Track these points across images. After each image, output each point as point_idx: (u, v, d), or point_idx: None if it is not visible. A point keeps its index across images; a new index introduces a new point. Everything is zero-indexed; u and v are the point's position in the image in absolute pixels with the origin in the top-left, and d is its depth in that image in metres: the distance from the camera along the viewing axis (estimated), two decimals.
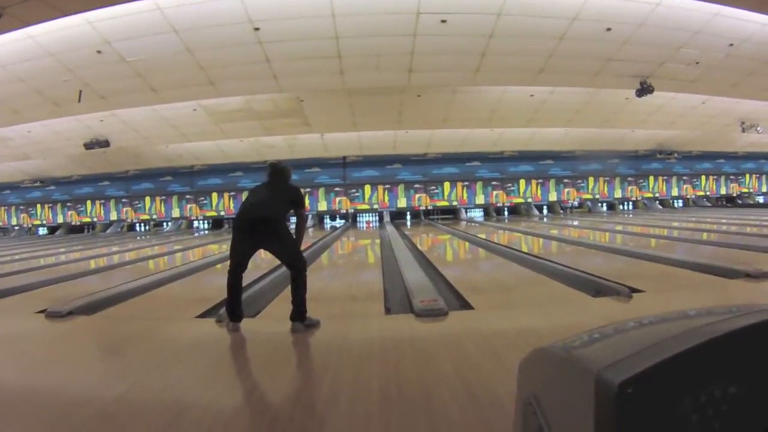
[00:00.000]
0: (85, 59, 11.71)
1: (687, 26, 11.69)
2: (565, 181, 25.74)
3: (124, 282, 7.40)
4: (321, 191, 24.51)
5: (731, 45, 12.62)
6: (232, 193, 24.74)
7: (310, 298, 4.51)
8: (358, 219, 24.88)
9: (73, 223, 26.47)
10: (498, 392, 2.76)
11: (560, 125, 19.92)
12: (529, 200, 25.51)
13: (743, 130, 21.21)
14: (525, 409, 0.88)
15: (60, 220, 26.63)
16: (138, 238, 21.01)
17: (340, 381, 3.18)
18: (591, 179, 26.06)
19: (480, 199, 25.10)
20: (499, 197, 25.20)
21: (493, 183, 25.12)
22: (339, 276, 8.42)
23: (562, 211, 25.79)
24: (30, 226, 27.12)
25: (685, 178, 27.21)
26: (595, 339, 0.87)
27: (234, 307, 4.47)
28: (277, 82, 13.47)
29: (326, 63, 12.48)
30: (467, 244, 12.62)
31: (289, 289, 4.54)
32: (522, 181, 25.38)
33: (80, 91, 13.21)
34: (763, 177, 28.69)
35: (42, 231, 27.19)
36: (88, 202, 26.19)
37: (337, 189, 24.61)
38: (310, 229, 20.33)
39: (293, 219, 4.86)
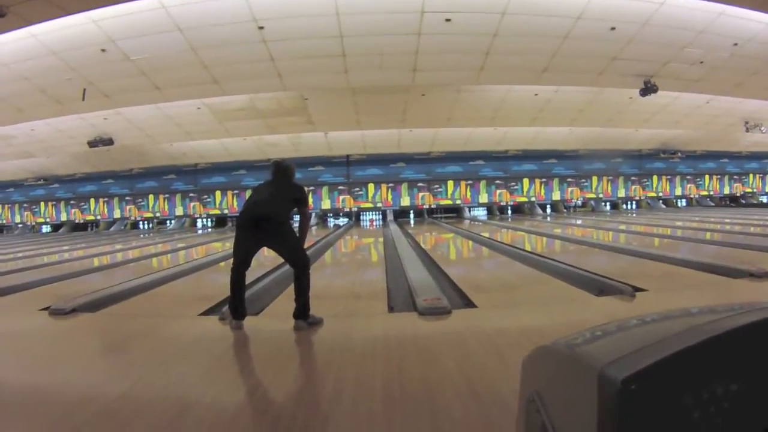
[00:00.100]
0: (89, 58, 11.73)
1: (691, 26, 11.66)
2: (569, 180, 25.70)
3: (127, 280, 7.42)
4: (325, 190, 24.50)
5: (736, 44, 12.58)
6: (236, 192, 24.74)
7: (314, 296, 4.52)
8: (361, 217, 24.86)
9: (77, 221, 26.49)
10: (501, 390, 2.76)
11: (564, 124, 19.88)
12: (533, 199, 25.47)
13: (747, 130, 21.15)
14: (528, 407, 0.88)
15: (63, 218, 26.67)
16: (141, 236, 21.04)
17: (343, 379, 3.18)
18: (594, 178, 26.01)
19: (483, 198, 25.06)
20: (502, 196, 25.16)
21: (497, 182, 25.07)
22: (342, 274, 8.43)
23: (565, 211, 25.74)
24: (33, 223, 27.15)
25: (688, 177, 27.14)
26: (597, 336, 0.87)
27: (237, 304, 4.48)
28: (281, 81, 13.48)
29: (330, 62, 12.48)
30: (471, 242, 12.61)
31: (292, 287, 4.53)
32: (526, 180, 25.34)
33: (84, 90, 13.23)
34: (767, 177, 28.58)
35: (45, 229, 27.21)
36: (92, 200, 26.22)
37: (340, 187, 24.60)
38: (314, 228, 20.32)
39: (297, 217, 4.86)
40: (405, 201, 24.72)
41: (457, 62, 12.96)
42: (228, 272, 4.57)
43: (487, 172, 24.98)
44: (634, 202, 26.92)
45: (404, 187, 24.69)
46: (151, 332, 4.50)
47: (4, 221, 27.60)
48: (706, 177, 27.49)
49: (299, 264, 4.49)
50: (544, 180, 25.47)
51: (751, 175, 28.24)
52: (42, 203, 26.81)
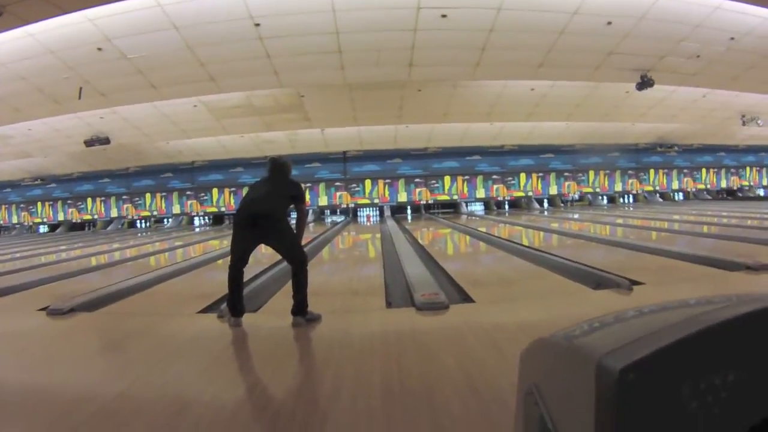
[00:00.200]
0: (85, 56, 11.70)
1: (688, 20, 11.66)
2: (566, 174, 25.70)
3: (125, 279, 7.41)
4: (321, 186, 24.48)
5: (732, 38, 12.59)
6: (233, 189, 24.70)
7: (311, 292, 4.52)
8: (358, 214, 24.85)
9: (74, 221, 26.44)
10: (500, 385, 2.77)
11: (561, 119, 19.91)
12: (530, 194, 25.49)
13: (744, 123, 21.18)
14: (526, 400, 0.89)
15: (61, 217, 26.61)
16: (139, 234, 21.04)
17: (341, 375, 3.18)
18: (591, 172, 26.02)
19: (480, 193, 25.07)
20: (499, 191, 25.17)
21: (494, 177, 25.07)
22: (340, 270, 8.44)
23: (562, 205, 25.77)
24: (31, 224, 27.10)
25: (685, 171, 27.16)
26: (595, 328, 0.87)
27: (235, 302, 4.48)
28: (277, 78, 13.46)
29: (327, 58, 12.47)
30: (468, 237, 12.63)
31: (290, 283, 4.54)
32: (522, 175, 25.34)
33: (80, 89, 13.19)
34: (764, 170, 28.64)
35: (43, 229, 27.17)
36: (89, 200, 26.16)
37: (337, 184, 24.58)
38: (311, 224, 20.32)
39: (294, 214, 4.86)
40: (402, 197, 24.71)
41: (454, 58, 12.96)
42: (225, 270, 4.57)
43: (483, 168, 24.98)
44: (631, 196, 26.93)
45: (401, 182, 24.68)
46: (149, 331, 4.50)
47: (2, 222, 27.54)
48: (703, 170, 27.52)
49: (297, 261, 4.49)
50: (541, 175, 25.49)
51: (747, 169, 28.29)
52: (39, 203, 26.75)
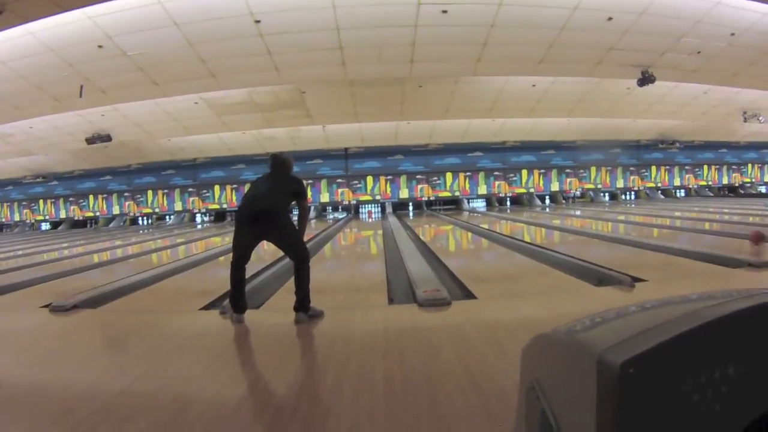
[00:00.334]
0: (86, 54, 11.69)
1: (688, 15, 11.65)
2: (567, 171, 25.68)
3: (127, 275, 7.43)
4: (323, 183, 24.47)
5: (733, 34, 12.56)
6: (235, 186, 24.69)
7: (314, 289, 4.53)
8: (360, 210, 24.83)
9: (76, 218, 26.44)
10: (501, 381, 2.77)
11: (562, 115, 19.87)
12: (531, 190, 25.46)
13: (745, 120, 21.14)
14: (528, 395, 0.89)
15: (62, 215, 26.61)
16: (141, 231, 21.05)
17: (344, 371, 3.19)
18: (593, 169, 25.99)
19: (482, 190, 25.04)
20: (501, 187, 25.14)
21: (495, 173, 25.05)
22: (342, 267, 8.44)
23: (564, 201, 25.72)
24: (33, 221, 27.10)
25: (687, 167, 27.12)
26: (596, 323, 0.88)
27: (238, 298, 4.48)
28: (278, 74, 13.45)
29: (328, 54, 12.46)
30: (470, 234, 12.63)
31: (292, 280, 4.55)
32: (524, 171, 25.31)
33: (81, 86, 13.20)
34: (765, 167, 28.55)
35: (45, 226, 27.15)
36: (91, 197, 26.16)
37: (339, 180, 24.57)
38: (313, 221, 20.30)
39: (296, 210, 4.86)
40: (404, 193, 24.70)
41: (455, 54, 12.95)
42: (228, 266, 4.58)
43: (485, 164, 24.96)
44: (632, 193, 26.88)
45: (403, 179, 24.67)
46: (152, 327, 4.52)
47: (3, 220, 27.52)
48: (705, 167, 27.46)
49: (299, 257, 4.50)
50: (542, 171, 25.46)
51: (749, 165, 28.22)
52: (41, 201, 26.75)
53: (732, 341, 0.67)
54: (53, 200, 26.58)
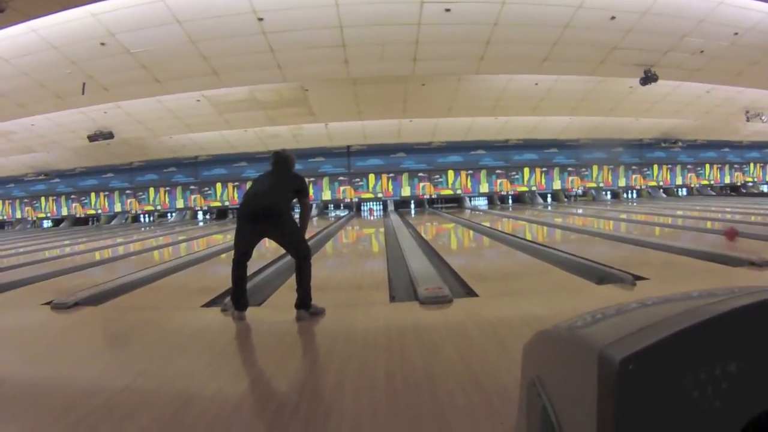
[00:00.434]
0: (88, 51, 11.70)
1: (691, 15, 11.62)
2: (570, 169, 25.66)
3: (129, 273, 7.44)
4: (325, 181, 24.49)
5: (736, 34, 12.53)
6: (237, 183, 24.71)
7: (315, 286, 4.53)
8: (362, 208, 24.84)
9: (78, 216, 26.48)
10: (503, 379, 2.77)
11: (565, 114, 19.86)
12: (534, 188, 25.45)
13: (748, 119, 21.10)
14: (529, 391, 0.89)
15: (64, 212, 26.66)
16: (142, 229, 21.08)
17: (345, 369, 3.19)
18: (595, 168, 25.97)
19: (484, 188, 25.04)
20: (503, 185, 25.14)
21: (498, 171, 25.04)
22: (343, 265, 8.44)
23: (566, 200, 25.70)
24: (34, 219, 27.14)
25: (689, 166, 27.09)
26: (597, 319, 0.88)
27: (239, 296, 4.48)
28: (281, 72, 13.45)
29: (330, 52, 12.46)
30: (471, 232, 12.62)
31: (294, 277, 4.54)
32: (526, 170, 25.31)
33: (84, 84, 13.21)
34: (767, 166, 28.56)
35: (46, 224, 27.20)
36: (93, 195, 26.19)
37: (341, 178, 24.59)
38: (314, 219, 20.30)
39: (298, 208, 4.86)
40: (406, 191, 24.71)
41: (458, 52, 12.93)
42: (229, 264, 4.58)
43: (487, 162, 24.95)
44: (634, 192, 26.86)
45: (405, 177, 24.68)
46: (153, 324, 4.53)
47: (5, 217, 27.55)
48: (707, 166, 27.42)
49: (300, 254, 4.50)
50: (544, 169, 25.45)
51: (751, 165, 28.17)
52: (43, 198, 26.80)
53: (732, 338, 0.67)
54: (55, 198, 26.62)
